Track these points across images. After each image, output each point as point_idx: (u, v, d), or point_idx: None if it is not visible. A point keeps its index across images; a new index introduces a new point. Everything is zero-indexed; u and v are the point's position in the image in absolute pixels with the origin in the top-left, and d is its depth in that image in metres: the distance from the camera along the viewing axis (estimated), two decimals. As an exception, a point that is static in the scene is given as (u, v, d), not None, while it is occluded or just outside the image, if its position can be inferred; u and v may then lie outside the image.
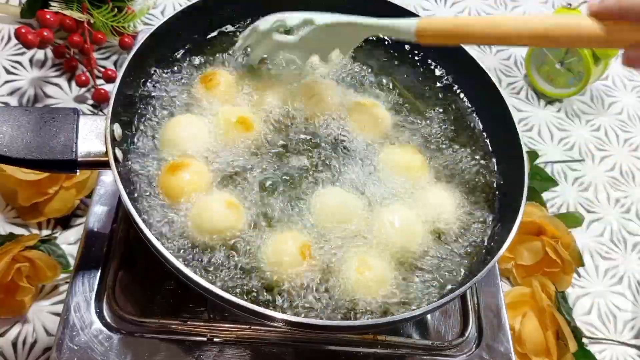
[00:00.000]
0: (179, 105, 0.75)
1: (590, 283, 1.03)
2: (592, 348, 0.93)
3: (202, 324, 0.68)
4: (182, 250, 0.64)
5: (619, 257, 1.07)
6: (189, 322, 0.68)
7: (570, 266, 0.96)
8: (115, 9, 1.09)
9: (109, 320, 0.68)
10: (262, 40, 0.76)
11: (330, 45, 0.75)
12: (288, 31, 0.75)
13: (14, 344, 0.81)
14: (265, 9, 0.85)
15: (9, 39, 1.11)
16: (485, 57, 1.32)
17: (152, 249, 0.58)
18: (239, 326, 0.68)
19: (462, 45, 0.81)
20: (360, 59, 0.85)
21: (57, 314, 0.84)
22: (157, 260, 0.59)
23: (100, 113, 1.05)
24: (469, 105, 0.83)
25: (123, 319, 0.68)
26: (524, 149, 0.73)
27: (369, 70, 0.84)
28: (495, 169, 0.78)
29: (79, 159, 0.64)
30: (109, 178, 0.78)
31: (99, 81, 1.08)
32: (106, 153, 0.62)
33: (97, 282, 0.70)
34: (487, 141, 0.80)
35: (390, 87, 0.83)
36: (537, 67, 1.28)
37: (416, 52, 0.87)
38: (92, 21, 1.07)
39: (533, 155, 1.13)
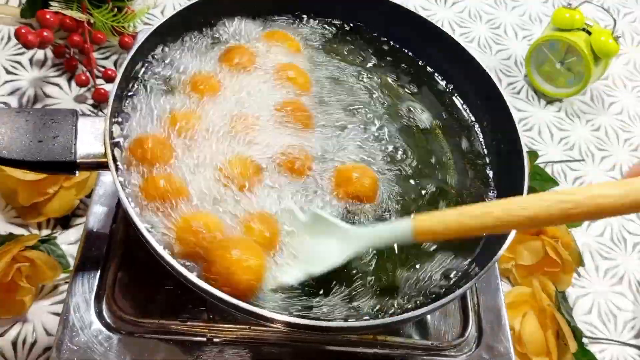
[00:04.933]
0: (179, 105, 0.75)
1: (591, 283, 1.03)
2: (592, 348, 0.93)
3: (201, 324, 0.68)
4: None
5: (619, 257, 1.07)
6: (188, 323, 0.68)
7: (571, 266, 0.96)
8: (115, 9, 1.09)
9: (108, 320, 0.68)
10: None
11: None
12: None
13: (14, 344, 0.81)
14: (264, 8, 0.86)
15: (9, 39, 1.11)
16: (485, 57, 1.32)
17: (151, 250, 0.58)
18: (238, 326, 0.68)
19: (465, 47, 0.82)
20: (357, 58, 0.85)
21: (57, 314, 0.84)
22: (157, 260, 0.59)
23: (100, 113, 1.05)
24: (469, 105, 0.83)
25: (123, 320, 0.68)
26: (524, 149, 0.73)
27: (365, 66, 0.85)
28: (496, 169, 0.78)
29: (78, 161, 0.63)
30: (108, 178, 0.78)
31: (99, 81, 1.08)
32: (105, 154, 0.62)
33: (96, 282, 0.70)
34: (487, 141, 0.80)
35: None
36: (537, 67, 1.28)
37: (415, 51, 0.87)
38: (92, 21, 1.07)
39: (533, 155, 1.13)
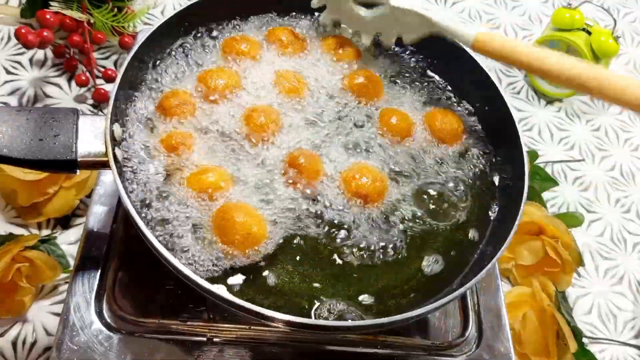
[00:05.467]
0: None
1: (591, 283, 1.03)
2: (592, 348, 0.93)
3: (202, 324, 0.68)
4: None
5: (619, 257, 1.07)
6: (189, 322, 0.68)
7: (570, 266, 0.96)
8: (115, 9, 1.09)
9: (108, 320, 0.68)
10: (339, 2, 0.81)
11: (397, 30, 0.80)
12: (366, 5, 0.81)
13: (14, 344, 0.81)
14: (265, 8, 0.86)
15: (9, 39, 1.11)
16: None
17: (152, 250, 0.58)
18: (238, 326, 0.68)
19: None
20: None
21: (57, 314, 0.84)
22: (157, 260, 0.59)
23: (100, 113, 1.05)
24: (469, 105, 0.83)
25: (123, 319, 0.68)
26: (524, 149, 0.73)
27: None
28: (496, 169, 0.78)
29: (78, 159, 0.64)
30: (108, 178, 0.78)
31: (99, 81, 1.08)
32: (106, 153, 0.62)
33: (97, 282, 0.70)
34: (487, 141, 0.80)
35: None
36: (537, 67, 1.28)
37: (416, 51, 0.87)
38: (92, 21, 1.07)
39: (533, 155, 1.13)
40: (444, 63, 0.86)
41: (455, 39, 0.76)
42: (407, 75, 0.85)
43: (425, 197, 0.73)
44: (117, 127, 0.67)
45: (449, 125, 0.78)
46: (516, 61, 0.70)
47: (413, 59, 0.87)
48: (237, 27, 0.84)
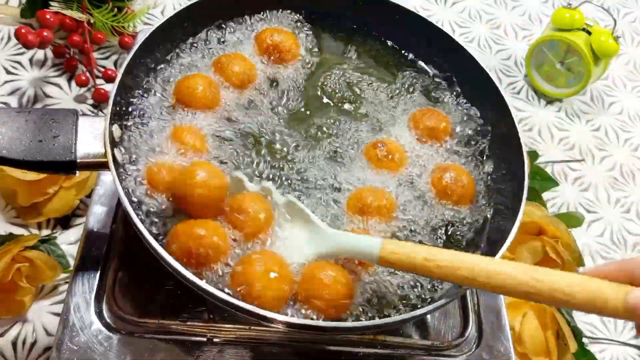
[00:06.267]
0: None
1: (591, 283, 1.03)
2: (592, 348, 0.93)
3: (202, 324, 0.68)
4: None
5: (619, 257, 1.07)
6: (188, 322, 0.68)
7: (571, 266, 0.95)
8: (115, 9, 1.09)
9: (108, 320, 0.67)
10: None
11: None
12: None
13: (14, 344, 0.81)
14: (264, 7, 0.86)
15: (9, 39, 1.11)
16: (485, 57, 1.32)
17: (151, 250, 0.58)
18: (238, 326, 0.68)
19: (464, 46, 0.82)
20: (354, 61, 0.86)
21: (57, 314, 0.84)
22: (157, 260, 0.59)
23: (100, 113, 1.05)
24: (469, 105, 0.83)
25: (123, 319, 0.68)
26: (524, 149, 0.73)
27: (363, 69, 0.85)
28: (496, 169, 0.78)
29: (78, 161, 0.63)
30: (108, 178, 0.78)
31: (99, 81, 1.08)
32: (105, 154, 0.62)
33: (96, 282, 0.70)
34: (487, 141, 0.80)
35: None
36: (537, 67, 1.28)
37: (413, 50, 0.87)
38: (92, 21, 1.07)
39: (533, 155, 1.13)
40: (443, 62, 0.86)
41: (355, 255, 0.62)
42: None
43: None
44: (116, 128, 0.67)
45: (435, 123, 0.77)
46: (422, 271, 0.57)
47: (413, 58, 0.87)
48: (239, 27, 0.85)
